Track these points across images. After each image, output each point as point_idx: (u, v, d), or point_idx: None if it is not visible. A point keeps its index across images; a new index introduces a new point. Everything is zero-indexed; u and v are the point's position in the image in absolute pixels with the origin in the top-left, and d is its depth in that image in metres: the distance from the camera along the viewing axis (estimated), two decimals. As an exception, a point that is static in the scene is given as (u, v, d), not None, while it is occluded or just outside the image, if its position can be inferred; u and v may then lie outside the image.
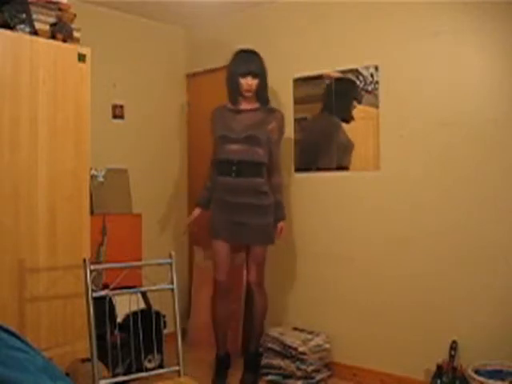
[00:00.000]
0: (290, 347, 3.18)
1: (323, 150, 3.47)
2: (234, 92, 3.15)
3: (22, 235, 2.54)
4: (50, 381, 1.02)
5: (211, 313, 3.21)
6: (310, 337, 3.29)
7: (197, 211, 3.29)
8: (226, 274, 3.10)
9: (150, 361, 3.21)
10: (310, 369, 3.15)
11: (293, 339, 3.23)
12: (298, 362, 3.14)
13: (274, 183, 3.16)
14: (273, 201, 3.12)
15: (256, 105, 3.18)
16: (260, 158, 3.07)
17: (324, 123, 3.46)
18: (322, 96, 3.45)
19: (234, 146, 3.06)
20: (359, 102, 3.28)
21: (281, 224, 3.17)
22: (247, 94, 3.12)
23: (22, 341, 1.09)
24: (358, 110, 3.29)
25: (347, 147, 3.34)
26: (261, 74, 3.12)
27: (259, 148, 3.06)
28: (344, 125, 3.36)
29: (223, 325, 3.20)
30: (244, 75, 3.08)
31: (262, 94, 3.16)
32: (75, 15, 2.83)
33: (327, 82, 3.43)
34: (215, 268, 3.13)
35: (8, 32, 2.51)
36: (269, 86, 3.22)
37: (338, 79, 3.38)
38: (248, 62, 3.10)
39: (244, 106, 3.17)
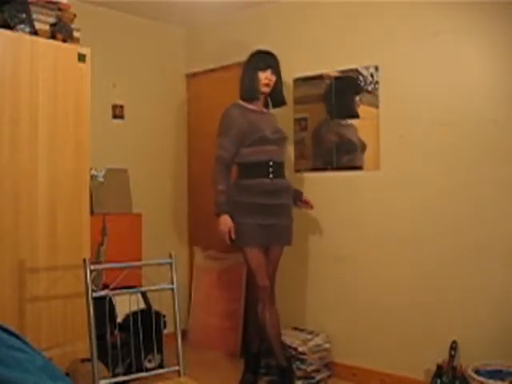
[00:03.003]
0: (289, 347, 3.18)
1: (327, 149, 3.47)
2: (251, 88, 3.04)
3: (22, 235, 2.54)
4: (49, 381, 1.02)
5: (261, 323, 2.99)
6: (309, 337, 3.29)
7: (228, 220, 2.94)
8: (268, 278, 2.96)
9: (150, 361, 3.21)
10: (309, 369, 3.15)
11: (293, 339, 3.24)
12: (297, 362, 3.15)
13: None
14: (291, 201, 3.16)
15: (264, 109, 3.14)
16: (284, 158, 3.12)
17: (331, 123, 3.44)
18: (324, 96, 3.46)
19: (270, 147, 3.00)
20: (360, 100, 3.28)
21: (305, 196, 3.24)
22: (265, 90, 3.05)
23: (22, 341, 1.09)
24: (358, 110, 3.29)
25: (354, 147, 3.34)
26: (278, 72, 3.10)
27: (285, 149, 3.14)
28: (346, 125, 3.36)
29: (279, 332, 3.04)
30: (264, 69, 3.04)
31: (278, 94, 3.14)
32: (75, 15, 2.83)
33: (327, 81, 3.43)
34: (255, 274, 2.96)
35: (8, 32, 2.51)
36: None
37: (337, 78, 3.38)
38: (267, 58, 3.08)
39: (259, 108, 3.10)
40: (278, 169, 3.02)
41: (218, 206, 2.97)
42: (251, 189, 2.96)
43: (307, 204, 3.22)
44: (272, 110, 3.24)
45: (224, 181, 2.99)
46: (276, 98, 3.17)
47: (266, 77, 3.03)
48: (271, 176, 2.97)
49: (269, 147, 2.99)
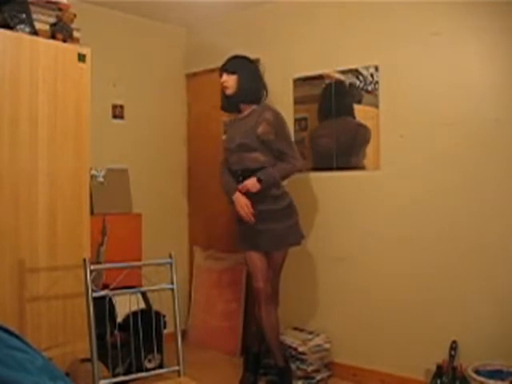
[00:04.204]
0: (289, 347, 3.18)
1: (327, 149, 3.47)
2: (222, 97, 3.13)
3: (22, 235, 2.54)
4: (49, 381, 1.02)
5: (259, 323, 3.03)
6: (310, 337, 3.29)
7: (240, 197, 2.95)
8: (264, 281, 2.96)
9: (149, 361, 3.21)
10: (310, 369, 3.15)
11: (293, 339, 3.24)
12: (298, 362, 3.15)
13: (277, 164, 2.97)
14: (288, 203, 3.01)
15: (251, 109, 3.07)
16: (259, 164, 2.93)
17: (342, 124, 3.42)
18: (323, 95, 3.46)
19: (233, 156, 3.03)
20: (359, 102, 3.28)
21: (250, 180, 2.90)
22: (227, 92, 3.05)
23: (22, 341, 1.09)
24: (358, 110, 3.29)
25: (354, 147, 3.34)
26: (239, 70, 3.02)
27: (255, 153, 2.94)
28: (346, 124, 3.36)
29: (277, 333, 3.05)
30: (220, 75, 3.08)
31: (245, 92, 3.01)
32: (75, 15, 2.83)
33: (326, 81, 3.43)
34: (252, 276, 3.04)
35: (8, 32, 2.51)
36: (260, 86, 3.09)
37: (337, 79, 3.39)
38: (225, 63, 3.09)
39: (245, 111, 3.08)
40: (249, 176, 2.93)
41: (228, 193, 3.04)
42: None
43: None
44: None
45: (226, 176, 3.10)
46: (245, 95, 3.04)
47: (222, 81, 3.06)
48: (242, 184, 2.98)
49: (233, 157, 3.04)
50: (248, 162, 2.97)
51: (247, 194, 2.94)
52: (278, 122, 3.02)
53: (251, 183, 2.91)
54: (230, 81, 3.02)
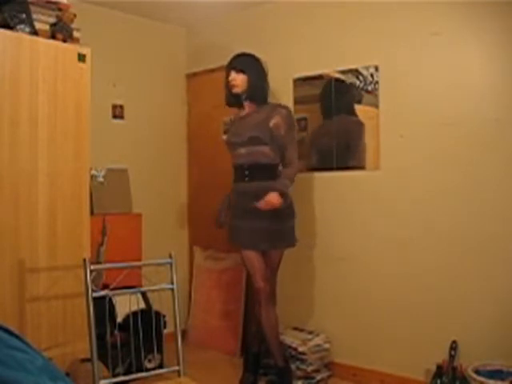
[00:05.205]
0: (289, 347, 3.18)
1: (327, 149, 3.47)
2: (227, 93, 3.09)
3: (22, 235, 2.54)
4: (50, 381, 1.02)
5: (259, 323, 3.01)
6: (309, 337, 3.29)
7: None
8: (263, 280, 2.93)
9: (149, 361, 3.21)
10: (310, 369, 3.15)
11: (293, 339, 3.24)
12: (297, 362, 3.15)
13: (284, 172, 2.94)
14: (289, 203, 2.97)
15: (254, 107, 3.07)
16: (268, 160, 2.94)
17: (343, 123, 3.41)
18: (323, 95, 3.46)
19: (241, 150, 2.99)
20: (359, 102, 3.28)
21: (273, 195, 2.80)
22: (235, 90, 3.02)
23: (22, 341, 1.09)
24: (358, 110, 3.29)
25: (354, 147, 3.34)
26: (248, 69, 3.00)
27: (265, 147, 2.93)
28: (345, 124, 3.36)
29: (276, 333, 3.01)
30: (228, 72, 3.04)
31: (254, 91, 3.01)
32: (75, 15, 2.83)
33: (326, 81, 3.43)
34: (251, 276, 3.00)
35: (8, 32, 2.51)
36: (266, 85, 3.10)
37: (337, 79, 3.39)
38: (230, 62, 3.07)
39: (249, 110, 3.07)
40: (256, 171, 2.94)
41: (216, 218, 3.26)
42: (235, 192, 3.05)
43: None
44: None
45: (225, 199, 3.23)
46: (253, 95, 3.03)
47: (230, 79, 3.03)
48: (247, 179, 2.96)
49: (239, 151, 3.00)
50: (257, 156, 2.94)
51: (249, 189, 2.93)
52: (290, 119, 3.01)
53: (275, 198, 2.79)
54: (238, 79, 3.00)
